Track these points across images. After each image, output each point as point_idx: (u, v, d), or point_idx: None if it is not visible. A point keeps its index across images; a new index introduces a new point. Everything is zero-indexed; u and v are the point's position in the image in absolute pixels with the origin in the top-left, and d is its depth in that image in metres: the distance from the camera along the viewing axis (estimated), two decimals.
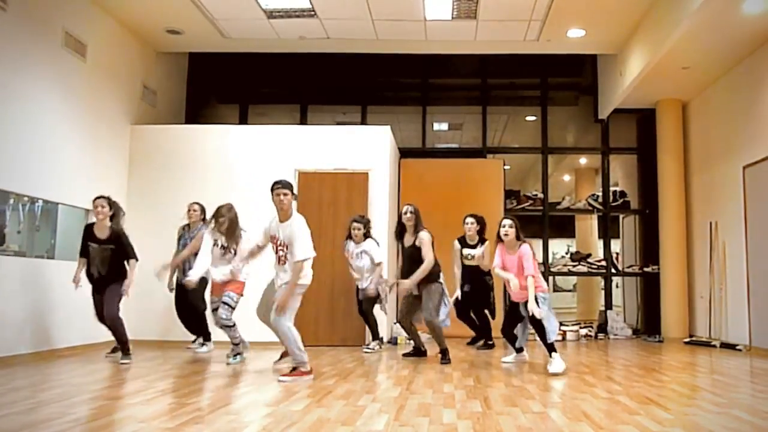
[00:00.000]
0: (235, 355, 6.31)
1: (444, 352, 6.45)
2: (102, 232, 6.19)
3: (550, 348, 5.79)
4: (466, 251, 7.71)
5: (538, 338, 5.97)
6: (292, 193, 5.36)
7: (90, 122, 7.65)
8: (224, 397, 4.47)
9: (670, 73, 8.51)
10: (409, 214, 6.50)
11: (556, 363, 5.67)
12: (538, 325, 5.82)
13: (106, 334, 7.81)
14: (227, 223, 6.16)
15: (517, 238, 6.02)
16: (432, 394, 4.53)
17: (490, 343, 7.87)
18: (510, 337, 6.36)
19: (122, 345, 6.32)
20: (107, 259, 6.18)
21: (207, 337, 7.33)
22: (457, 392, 4.63)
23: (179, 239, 7.30)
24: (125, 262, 6.28)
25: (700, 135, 9.46)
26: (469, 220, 7.65)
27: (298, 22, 8.33)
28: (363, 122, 10.32)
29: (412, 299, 6.58)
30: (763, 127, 7.64)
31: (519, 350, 6.42)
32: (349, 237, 7.49)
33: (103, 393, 4.62)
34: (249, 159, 8.49)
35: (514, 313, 6.21)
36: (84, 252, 6.25)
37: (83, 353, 7.07)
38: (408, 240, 6.54)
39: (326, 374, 5.54)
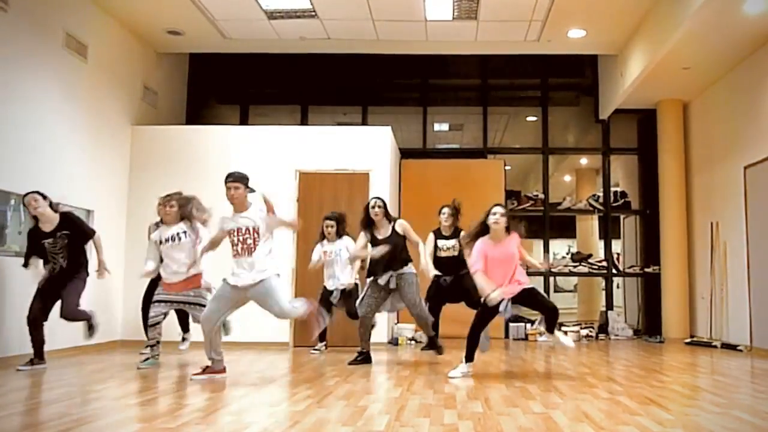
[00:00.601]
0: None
1: (432, 340, 6.57)
2: (49, 225, 5.82)
3: (555, 327, 5.58)
4: (441, 242, 7.24)
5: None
6: (247, 187, 5.21)
7: (91, 123, 7.66)
8: (225, 398, 4.47)
9: (671, 74, 8.51)
10: (377, 209, 6.23)
11: (564, 337, 5.70)
12: (552, 313, 5.46)
13: (106, 335, 7.83)
14: (176, 206, 5.95)
15: (507, 230, 5.47)
16: (433, 395, 4.52)
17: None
18: (475, 340, 5.51)
19: (87, 325, 6.00)
20: (66, 247, 5.81)
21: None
22: (457, 393, 4.62)
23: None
24: (84, 247, 5.95)
25: (701, 135, 9.46)
26: (445, 210, 7.24)
27: (299, 22, 8.34)
28: (364, 123, 10.32)
29: (383, 294, 6.27)
30: (764, 127, 7.63)
31: (468, 359, 5.52)
32: (323, 238, 7.21)
33: (104, 393, 4.62)
34: (250, 160, 8.47)
35: (491, 308, 5.41)
36: (38, 252, 5.84)
37: (85, 353, 7.08)
38: (384, 231, 6.25)
39: (327, 375, 5.54)
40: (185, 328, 7.25)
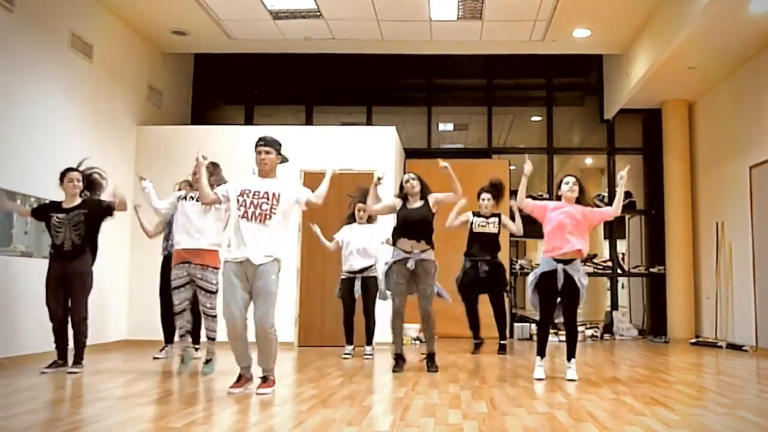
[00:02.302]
0: (207, 361, 5.59)
1: (432, 357, 5.87)
2: (68, 203, 5.71)
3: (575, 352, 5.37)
4: (478, 219, 7.17)
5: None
6: (280, 154, 4.59)
7: (96, 123, 7.68)
8: (230, 398, 4.47)
9: (676, 74, 8.49)
10: (413, 181, 5.98)
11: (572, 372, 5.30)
12: (574, 333, 5.38)
13: (111, 334, 7.85)
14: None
15: (578, 201, 5.41)
16: (437, 395, 4.53)
17: (503, 343, 7.35)
18: (546, 333, 5.45)
19: (79, 350, 5.64)
20: (80, 225, 5.61)
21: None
22: (462, 393, 4.62)
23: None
24: (98, 232, 5.78)
25: (707, 135, 9.44)
26: (485, 196, 7.23)
27: (304, 22, 8.35)
28: (368, 123, 10.33)
29: (407, 276, 5.82)
30: None
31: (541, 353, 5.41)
32: (352, 221, 7.07)
33: (110, 393, 4.63)
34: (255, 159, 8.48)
35: (551, 289, 5.27)
36: (44, 221, 5.67)
37: (90, 353, 7.08)
38: (416, 203, 5.95)
39: (332, 374, 5.55)
40: (196, 338, 6.55)
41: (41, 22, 6.67)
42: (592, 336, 9.41)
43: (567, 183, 5.48)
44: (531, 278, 5.47)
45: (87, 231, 5.72)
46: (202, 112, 10.42)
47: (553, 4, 7.73)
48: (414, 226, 5.89)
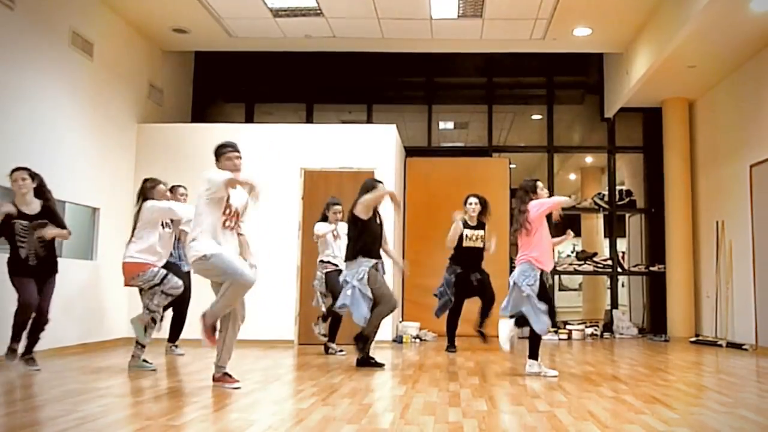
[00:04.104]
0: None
1: (365, 338, 5.95)
2: (29, 208, 5.49)
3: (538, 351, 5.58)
4: (468, 231, 7.21)
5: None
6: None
7: (97, 121, 7.68)
8: (230, 396, 4.48)
9: (677, 72, 8.49)
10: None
11: (545, 369, 5.50)
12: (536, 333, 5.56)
13: (111, 332, 7.86)
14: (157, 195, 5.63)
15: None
16: (437, 393, 4.53)
17: (482, 331, 7.28)
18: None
19: (32, 345, 5.57)
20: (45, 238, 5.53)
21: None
22: (462, 391, 4.63)
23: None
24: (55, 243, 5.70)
25: (707, 134, 9.44)
26: (472, 200, 7.31)
27: (304, 20, 8.34)
28: (369, 121, 10.33)
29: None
30: None
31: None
32: (324, 220, 6.99)
33: (110, 391, 4.64)
34: (255, 158, 8.46)
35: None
36: (6, 233, 5.42)
37: (89, 351, 7.10)
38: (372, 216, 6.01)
39: (332, 372, 5.55)
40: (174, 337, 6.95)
41: (42, 19, 6.67)
42: (592, 334, 9.42)
43: (542, 189, 5.85)
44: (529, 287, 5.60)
45: (50, 244, 5.62)
46: (203, 110, 10.42)
47: (554, 3, 7.72)
48: (377, 238, 6.03)
